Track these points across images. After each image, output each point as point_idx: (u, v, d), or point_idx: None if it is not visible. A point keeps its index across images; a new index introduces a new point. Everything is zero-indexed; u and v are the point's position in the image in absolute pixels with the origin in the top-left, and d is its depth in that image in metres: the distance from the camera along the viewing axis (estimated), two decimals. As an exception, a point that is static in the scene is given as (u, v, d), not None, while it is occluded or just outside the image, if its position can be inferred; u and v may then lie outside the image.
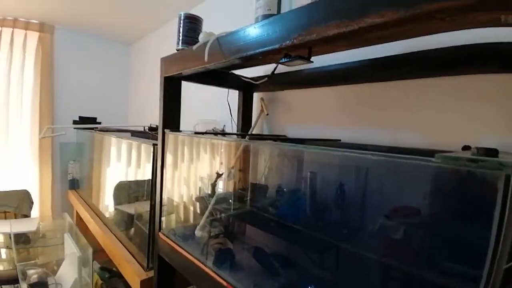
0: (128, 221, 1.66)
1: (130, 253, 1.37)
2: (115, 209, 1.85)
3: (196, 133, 1.00)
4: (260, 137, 1.15)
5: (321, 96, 1.07)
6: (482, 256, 0.39)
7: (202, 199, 1.21)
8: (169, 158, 1.08)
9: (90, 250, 1.34)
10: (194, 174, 1.34)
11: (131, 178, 1.78)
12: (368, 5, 0.41)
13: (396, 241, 0.65)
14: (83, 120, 2.16)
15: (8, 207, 2.18)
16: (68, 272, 1.52)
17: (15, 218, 2.17)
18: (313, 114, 1.11)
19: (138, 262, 1.26)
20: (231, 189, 1.18)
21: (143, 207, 1.58)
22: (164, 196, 1.08)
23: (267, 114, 1.19)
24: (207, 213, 0.98)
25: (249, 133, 1.19)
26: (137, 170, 1.67)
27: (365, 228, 0.75)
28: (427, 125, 0.82)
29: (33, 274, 1.47)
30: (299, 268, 0.86)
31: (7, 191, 2.19)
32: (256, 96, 1.28)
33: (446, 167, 0.42)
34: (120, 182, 1.91)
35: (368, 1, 0.41)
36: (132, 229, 1.58)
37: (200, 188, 1.27)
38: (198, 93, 1.65)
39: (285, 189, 1.04)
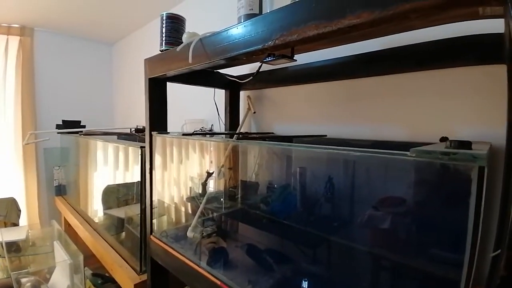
0: (118, 225, 1.64)
1: (122, 257, 1.36)
2: (104, 213, 1.83)
3: (184, 134, 0.99)
4: (248, 135, 1.15)
5: (307, 93, 1.08)
6: (462, 244, 0.42)
7: (193, 199, 1.21)
8: (157, 160, 1.08)
9: (81, 257, 1.32)
10: (184, 174, 1.34)
11: (119, 181, 1.76)
12: (344, 6, 0.42)
13: (383, 231, 0.67)
14: (66, 124, 2.11)
15: (-2, 216, 2.13)
16: (60, 279, 1.50)
17: (5, 226, 2.12)
18: (299, 110, 1.12)
19: (131, 266, 1.26)
20: (222, 188, 1.18)
21: (133, 210, 1.56)
22: (155, 199, 1.08)
23: (254, 112, 1.20)
24: (198, 213, 0.99)
25: (237, 131, 1.19)
26: (125, 172, 1.65)
27: (353, 220, 0.78)
28: (408, 118, 0.84)
29: (27, 283, 1.45)
30: (292, 263, 0.88)
31: (-6, 199, 2.13)
32: (242, 94, 1.28)
33: (421, 160, 0.44)
34: (108, 186, 1.88)
35: (344, 2, 0.42)
36: (123, 233, 1.56)
37: (190, 188, 1.27)
38: (184, 93, 1.64)
39: (275, 185, 1.06)
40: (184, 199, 1.26)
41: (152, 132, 1.00)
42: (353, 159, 0.77)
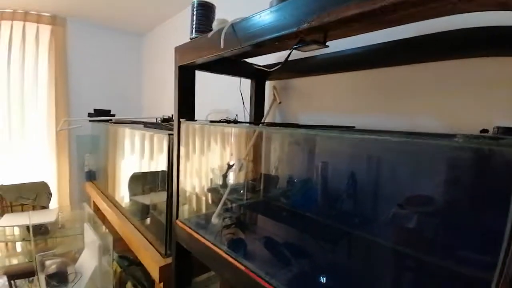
0: (143, 211, 1.71)
1: (147, 240, 1.41)
2: (131, 199, 1.90)
3: (211, 121, 1.00)
4: (272, 126, 1.15)
5: (335, 83, 1.06)
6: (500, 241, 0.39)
7: (214, 190, 1.23)
8: (182, 149, 1.10)
9: (111, 238, 1.38)
10: (206, 166, 1.36)
11: (145, 169, 1.82)
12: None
13: (415, 230, 0.64)
14: (97, 112, 2.21)
15: (26, 199, 2.27)
16: (88, 261, 1.58)
17: (33, 210, 2.26)
18: (326, 101, 1.10)
19: (156, 249, 1.30)
20: (242, 180, 1.19)
21: (158, 197, 1.61)
22: (180, 186, 1.10)
23: (280, 103, 1.19)
24: (223, 200, 1.00)
25: (262, 121, 1.19)
26: (151, 161, 1.70)
27: (381, 217, 0.75)
28: (443, 109, 0.80)
29: (52, 265, 1.49)
30: (311, 258, 0.87)
31: (25, 183, 2.27)
32: (268, 84, 1.27)
33: (468, 146, 0.42)
34: (134, 173, 1.95)
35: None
36: (148, 219, 1.62)
37: (211, 179, 1.29)
38: (210, 84, 1.65)
39: (296, 179, 1.04)
40: (205, 189, 1.28)
41: (180, 119, 1.02)
42: (382, 151, 0.75)
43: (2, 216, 2.09)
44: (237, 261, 0.79)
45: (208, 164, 1.35)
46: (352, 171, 0.81)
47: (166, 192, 1.23)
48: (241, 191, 1.19)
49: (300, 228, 0.94)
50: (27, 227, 2.02)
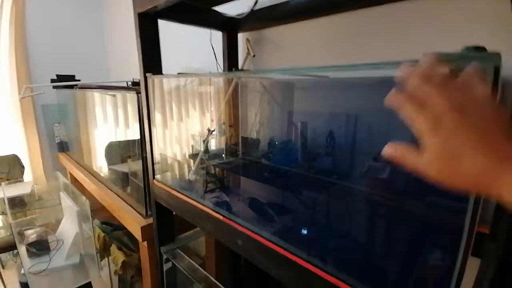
0: (123, 178, 1.68)
1: (128, 205, 1.40)
2: (109, 169, 1.86)
3: (179, 73, 0.95)
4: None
5: (310, 31, 1.01)
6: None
7: (195, 156, 1.22)
8: (157, 113, 1.05)
9: (88, 203, 1.36)
10: (186, 133, 1.32)
11: (121, 136, 1.75)
12: None
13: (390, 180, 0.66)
14: (60, 78, 2.04)
15: (0, 173, 2.17)
16: (68, 228, 1.56)
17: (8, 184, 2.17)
18: (301, 52, 1.06)
19: (137, 212, 1.30)
20: (223, 145, 1.18)
21: (137, 165, 1.58)
22: (155, 149, 1.07)
23: (254, 56, 1.13)
24: (199, 157, 0.99)
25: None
26: (126, 128, 1.63)
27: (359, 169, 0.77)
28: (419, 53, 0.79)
29: (32, 234, 1.47)
30: (294, 214, 0.89)
31: (-5, 157, 2.16)
32: (241, 37, 1.20)
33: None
34: (111, 142, 1.88)
35: None
36: (128, 186, 1.60)
37: (192, 146, 1.26)
38: (178, 41, 1.55)
39: (276, 137, 1.04)
40: (187, 156, 1.26)
41: (147, 74, 0.95)
42: (359, 96, 0.74)
43: None
44: (214, 210, 0.80)
45: (188, 131, 1.32)
46: (330, 126, 0.81)
47: (140, 154, 1.20)
48: (223, 155, 1.19)
49: (283, 185, 0.95)
50: (3, 200, 1.95)
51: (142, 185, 1.38)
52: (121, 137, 1.78)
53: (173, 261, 1.08)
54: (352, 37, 0.91)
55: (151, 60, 0.96)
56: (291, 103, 1.01)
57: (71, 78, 2.07)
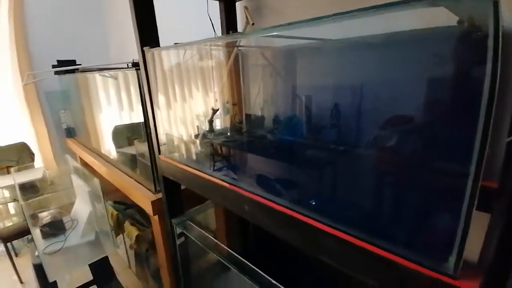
0: (131, 160, 1.71)
1: (138, 183, 1.43)
2: (117, 152, 1.89)
3: (175, 43, 0.93)
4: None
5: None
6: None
7: (203, 136, 1.22)
8: (159, 92, 1.04)
9: (98, 182, 1.40)
10: (190, 113, 1.32)
11: (126, 120, 1.77)
12: None
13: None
14: (61, 63, 2.04)
15: (10, 161, 2.22)
16: (81, 208, 1.62)
17: (19, 171, 2.23)
18: (303, 17, 1.03)
19: (147, 188, 1.33)
20: (228, 124, 1.18)
21: (143, 146, 1.60)
22: (159, 125, 1.07)
23: (253, 24, 1.11)
24: (204, 128, 0.99)
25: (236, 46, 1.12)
26: (130, 111, 1.64)
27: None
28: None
29: (46, 216, 1.52)
30: (301, 187, 0.89)
31: (4, 146, 2.21)
32: (239, 6, 1.17)
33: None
34: (116, 126, 1.90)
35: None
36: (137, 167, 1.63)
37: (198, 126, 1.26)
38: (175, 14, 1.51)
39: (280, 117, 1.03)
40: (193, 137, 1.26)
41: (144, 48, 0.94)
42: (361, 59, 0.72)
43: None
44: (219, 179, 0.81)
45: (193, 111, 1.31)
46: (335, 96, 0.79)
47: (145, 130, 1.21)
48: (227, 133, 1.19)
49: (287, 158, 0.95)
50: (14, 186, 2.01)
51: (149, 163, 1.41)
52: (126, 120, 1.79)
53: (184, 231, 1.11)
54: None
55: (148, 35, 0.94)
56: (294, 74, 0.99)
57: (72, 63, 2.07)
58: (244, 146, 1.19)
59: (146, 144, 1.32)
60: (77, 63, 2.15)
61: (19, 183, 1.87)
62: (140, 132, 1.59)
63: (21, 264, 2.15)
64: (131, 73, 1.51)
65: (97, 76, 1.86)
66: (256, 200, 0.70)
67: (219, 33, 1.21)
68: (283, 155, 0.96)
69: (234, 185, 0.77)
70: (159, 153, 1.08)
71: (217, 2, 1.15)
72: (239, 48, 1.05)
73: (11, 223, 2.15)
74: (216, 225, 1.50)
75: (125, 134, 1.85)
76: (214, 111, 1.12)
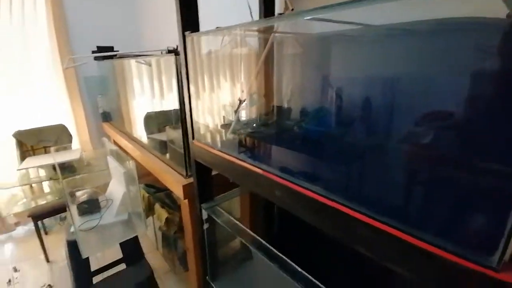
0: (161, 146, 1.77)
1: (170, 167, 1.47)
2: (148, 137, 1.95)
3: (217, 28, 0.93)
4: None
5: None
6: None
7: (227, 126, 1.22)
8: (192, 70, 1.05)
9: (133, 164, 1.45)
10: (217, 103, 1.32)
11: (157, 107, 1.82)
12: None
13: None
14: (100, 49, 2.13)
15: (48, 142, 2.37)
16: (116, 188, 1.69)
17: (57, 151, 2.37)
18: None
19: (178, 173, 1.37)
20: (254, 116, 1.17)
21: (174, 133, 1.64)
22: (195, 110, 1.08)
23: (292, 10, 1.07)
24: (236, 116, 0.99)
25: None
26: (162, 99, 1.68)
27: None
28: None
29: (82, 195, 1.59)
30: (326, 181, 0.86)
31: (44, 127, 2.35)
32: (278, -9, 1.14)
33: None
34: (148, 113, 1.96)
35: None
36: (165, 151, 1.68)
37: (224, 117, 1.27)
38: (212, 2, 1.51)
39: (309, 109, 1.00)
40: (219, 127, 1.27)
41: (185, 33, 0.95)
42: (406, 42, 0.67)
43: (24, 160, 2.22)
44: (253, 165, 0.81)
45: (220, 101, 1.32)
46: (370, 89, 0.75)
47: (180, 117, 1.24)
48: (254, 125, 1.18)
49: (318, 154, 0.93)
50: (53, 167, 2.14)
51: (180, 150, 1.44)
52: (158, 108, 1.84)
53: (213, 216, 1.13)
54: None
55: (189, 18, 0.94)
56: (328, 64, 0.95)
57: (110, 49, 2.15)
58: (276, 136, 1.17)
59: (177, 130, 1.35)
60: (115, 49, 2.24)
61: (58, 163, 1.99)
62: (171, 119, 1.63)
63: (49, 243, 2.24)
64: (165, 61, 1.55)
65: (132, 63, 1.93)
66: (289, 187, 0.68)
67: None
68: (316, 146, 0.94)
69: (267, 171, 0.76)
70: (193, 138, 1.10)
71: (257, -13, 1.12)
72: (276, 34, 1.03)
73: (44, 201, 2.27)
74: (241, 212, 1.51)
75: (156, 121, 1.91)
76: (241, 102, 1.13)
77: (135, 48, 2.70)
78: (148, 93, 1.86)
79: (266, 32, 1.04)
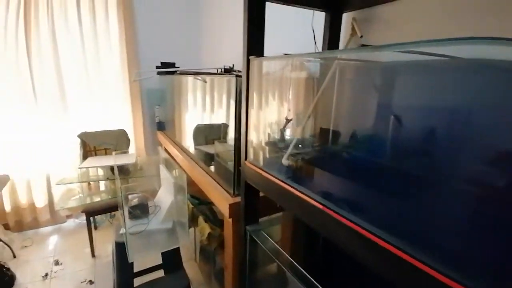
0: (207, 158, 1.82)
1: (216, 182, 1.49)
2: (196, 149, 2.03)
3: (285, 54, 0.93)
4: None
5: (433, 4, 0.87)
6: None
7: (273, 144, 1.21)
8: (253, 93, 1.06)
9: (184, 177, 1.50)
10: (264, 120, 1.32)
11: (210, 119, 1.89)
12: None
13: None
14: (164, 65, 2.31)
15: (109, 144, 2.59)
16: (164, 196, 1.77)
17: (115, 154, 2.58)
18: (420, 30, 0.92)
19: (225, 189, 1.37)
20: (300, 135, 1.14)
21: (222, 147, 1.68)
22: (250, 131, 1.09)
23: (361, 37, 1.04)
24: (294, 141, 0.97)
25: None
26: (217, 111, 1.74)
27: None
28: None
29: (134, 198, 1.69)
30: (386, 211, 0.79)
31: (107, 131, 2.58)
32: (346, 17, 1.12)
33: None
34: (198, 125, 2.04)
35: None
36: (212, 165, 1.72)
37: (269, 134, 1.26)
38: (276, 24, 1.54)
39: (360, 134, 0.94)
40: (263, 143, 1.26)
41: (250, 57, 0.97)
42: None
43: (86, 159, 2.44)
44: (315, 200, 0.77)
45: (266, 118, 1.32)
46: (435, 120, 0.68)
47: (234, 137, 1.25)
48: (300, 145, 1.15)
49: (372, 184, 0.86)
50: (111, 168, 2.33)
51: (226, 165, 1.46)
52: (207, 121, 1.92)
53: (257, 240, 1.10)
54: (496, 9, 0.74)
55: (255, 42, 0.96)
56: (389, 91, 0.89)
57: (172, 65, 2.31)
58: (319, 163, 1.12)
59: (224, 145, 1.36)
60: (176, 65, 2.40)
61: (117, 165, 2.15)
62: (219, 133, 1.67)
63: (97, 237, 2.38)
64: (221, 79, 1.61)
65: (189, 78, 2.05)
66: (344, 223, 0.63)
67: (319, 44, 1.18)
68: (366, 176, 0.87)
69: (322, 204, 0.72)
70: (246, 158, 1.10)
71: (323, 13, 1.12)
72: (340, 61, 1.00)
73: (99, 199, 2.47)
74: (283, 235, 1.46)
75: (204, 133, 1.98)
76: (287, 121, 1.10)
77: (194, 62, 2.88)
78: (199, 107, 1.94)
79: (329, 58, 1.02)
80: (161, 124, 2.77)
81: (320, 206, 0.72)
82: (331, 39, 1.14)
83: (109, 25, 2.52)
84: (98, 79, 2.57)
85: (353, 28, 1.07)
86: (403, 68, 0.87)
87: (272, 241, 1.10)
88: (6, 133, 2.33)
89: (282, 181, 0.89)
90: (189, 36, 2.93)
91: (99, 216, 2.59)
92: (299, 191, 0.81)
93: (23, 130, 2.38)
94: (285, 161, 0.98)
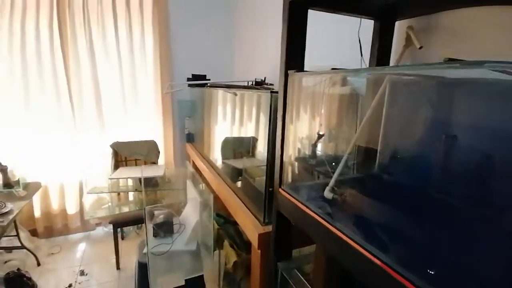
0: (235, 173, 1.71)
1: (244, 204, 1.38)
2: (223, 162, 1.94)
3: (333, 69, 0.80)
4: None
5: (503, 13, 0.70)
6: None
7: (303, 160, 1.09)
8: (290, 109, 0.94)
9: (211, 196, 1.41)
10: (293, 134, 1.20)
11: (239, 134, 1.79)
12: None
13: None
14: (195, 77, 2.28)
15: (140, 155, 2.60)
16: (190, 214, 1.69)
17: (145, 164, 2.58)
18: (495, 42, 0.75)
19: (254, 215, 1.25)
20: (332, 152, 1.02)
21: (250, 163, 1.57)
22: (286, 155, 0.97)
23: (421, 48, 0.88)
24: (337, 173, 0.82)
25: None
26: (246, 125, 1.64)
27: None
28: None
29: (160, 214, 1.61)
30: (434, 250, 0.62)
31: (138, 141, 2.60)
32: (398, 25, 0.97)
33: None
34: (226, 138, 1.96)
35: None
36: (240, 182, 1.60)
37: (299, 149, 1.13)
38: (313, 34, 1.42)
39: (402, 155, 0.77)
40: (293, 158, 1.13)
41: (289, 71, 0.85)
42: None
43: (117, 169, 2.46)
44: (358, 244, 0.62)
45: (296, 133, 1.19)
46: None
47: (266, 158, 1.14)
48: (333, 163, 1.01)
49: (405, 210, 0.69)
50: (139, 179, 2.31)
51: (255, 184, 1.33)
52: (236, 134, 1.82)
53: (291, 282, 0.96)
54: None
55: (295, 55, 0.85)
56: (440, 109, 0.72)
57: (203, 77, 2.27)
58: (355, 184, 0.96)
59: (252, 160, 1.22)
60: (207, 77, 2.37)
61: (144, 177, 2.13)
62: (247, 147, 1.56)
63: (123, 248, 2.35)
64: (252, 94, 1.51)
65: (219, 90, 1.98)
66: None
67: (365, 56, 1.04)
68: (405, 206, 0.70)
69: (375, 256, 0.57)
70: (280, 185, 0.97)
71: (371, 21, 0.98)
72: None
73: (127, 209, 2.47)
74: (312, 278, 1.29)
75: (232, 147, 1.88)
76: (319, 136, 1.02)
77: (225, 74, 2.84)
78: (229, 119, 1.86)
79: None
80: (191, 136, 2.74)
81: (378, 262, 0.57)
82: (380, 51, 0.99)
83: (145, 41, 2.57)
84: (133, 92, 2.61)
85: (407, 38, 0.92)
86: (460, 83, 0.71)
87: (305, 282, 0.95)
88: (45, 144, 2.43)
89: (324, 220, 0.74)
90: (221, 48, 2.90)
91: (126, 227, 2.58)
92: (346, 235, 0.66)
93: (61, 144, 2.47)
94: (327, 194, 0.83)
